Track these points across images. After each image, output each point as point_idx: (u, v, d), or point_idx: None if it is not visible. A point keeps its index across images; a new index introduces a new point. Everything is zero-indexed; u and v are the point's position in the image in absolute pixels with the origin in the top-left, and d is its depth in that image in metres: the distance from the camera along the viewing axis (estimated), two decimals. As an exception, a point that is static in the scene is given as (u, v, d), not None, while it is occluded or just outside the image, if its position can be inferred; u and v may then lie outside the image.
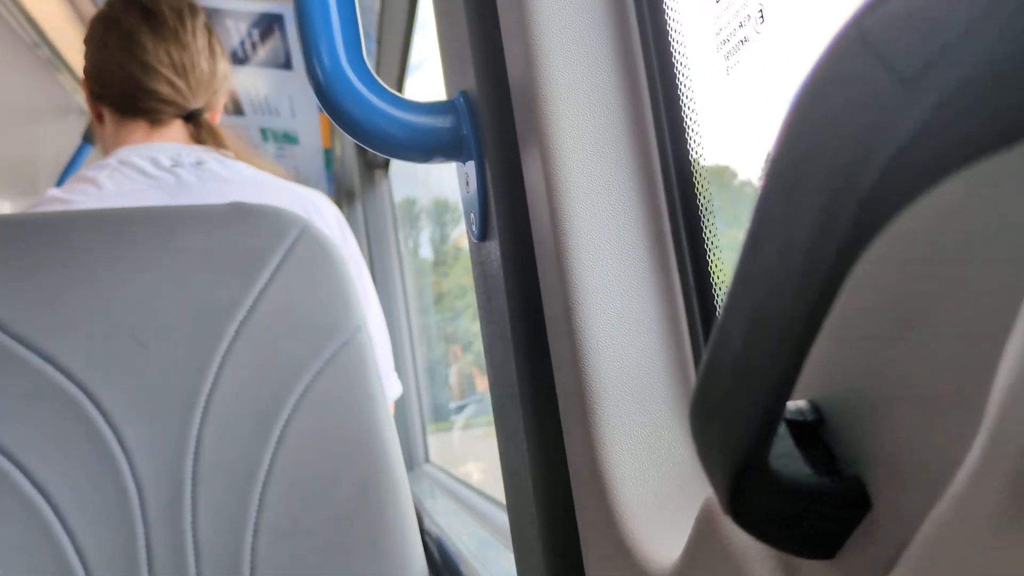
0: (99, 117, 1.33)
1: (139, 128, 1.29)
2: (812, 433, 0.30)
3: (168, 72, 1.27)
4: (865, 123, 0.19)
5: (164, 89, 1.27)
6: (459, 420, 2.15)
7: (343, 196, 2.55)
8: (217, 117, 1.40)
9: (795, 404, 0.31)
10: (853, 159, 0.19)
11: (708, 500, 0.37)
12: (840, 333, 0.29)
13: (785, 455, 0.28)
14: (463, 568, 1.06)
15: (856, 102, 0.19)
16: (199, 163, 1.23)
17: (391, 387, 1.42)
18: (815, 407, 0.31)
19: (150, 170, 1.20)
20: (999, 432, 0.19)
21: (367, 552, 0.93)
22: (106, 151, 1.32)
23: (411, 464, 1.98)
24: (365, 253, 2.31)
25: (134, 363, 0.90)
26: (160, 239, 0.94)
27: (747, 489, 0.27)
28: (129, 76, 1.27)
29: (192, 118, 1.31)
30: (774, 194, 0.22)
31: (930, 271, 0.25)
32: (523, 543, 0.65)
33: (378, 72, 1.98)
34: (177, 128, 1.31)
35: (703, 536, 0.39)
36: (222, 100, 1.40)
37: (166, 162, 1.22)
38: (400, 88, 1.94)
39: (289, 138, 2.29)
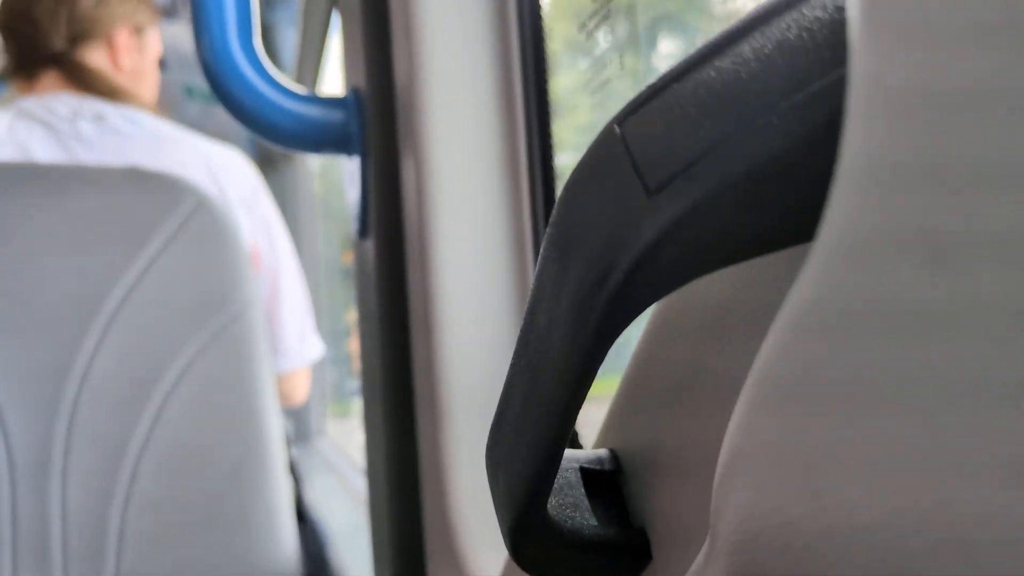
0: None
1: (22, 87, 1.24)
2: (610, 482, 0.31)
3: (7, 19, 1.21)
4: (615, 225, 0.19)
5: (11, 44, 1.21)
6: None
7: (265, 162, 2.51)
8: (122, 61, 1.29)
9: (595, 453, 0.31)
10: (603, 258, 0.20)
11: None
12: (639, 390, 0.30)
13: (572, 505, 0.29)
14: (329, 551, 1.06)
15: (610, 203, 0.20)
16: (99, 117, 1.19)
17: (311, 348, 1.40)
18: (615, 457, 0.31)
19: (49, 119, 1.16)
20: (715, 524, 0.20)
21: (237, 528, 0.93)
22: None
23: (305, 436, 1.97)
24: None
25: (12, 321, 0.88)
26: (49, 197, 0.91)
27: (526, 537, 0.28)
28: None
29: (61, 64, 1.23)
30: (545, 272, 0.23)
31: (705, 344, 0.26)
32: (377, 537, 0.66)
33: (299, 67, 1.94)
34: (52, 79, 1.23)
35: (512, 563, 0.39)
36: (108, 27, 1.27)
37: (65, 113, 1.17)
38: (314, 84, 1.89)
39: (214, 98, 2.24)
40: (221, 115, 2.41)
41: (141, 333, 0.92)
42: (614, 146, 0.20)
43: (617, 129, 0.20)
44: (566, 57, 0.58)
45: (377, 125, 0.60)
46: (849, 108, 0.15)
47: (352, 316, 2.33)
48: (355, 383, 2.18)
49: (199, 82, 2.26)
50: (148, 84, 1.36)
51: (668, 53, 0.49)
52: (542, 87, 0.53)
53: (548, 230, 0.23)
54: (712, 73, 0.19)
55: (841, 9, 0.18)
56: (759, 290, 0.24)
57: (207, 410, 0.93)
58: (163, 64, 2.15)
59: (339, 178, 2.43)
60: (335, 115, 0.64)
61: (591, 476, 0.31)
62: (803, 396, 0.16)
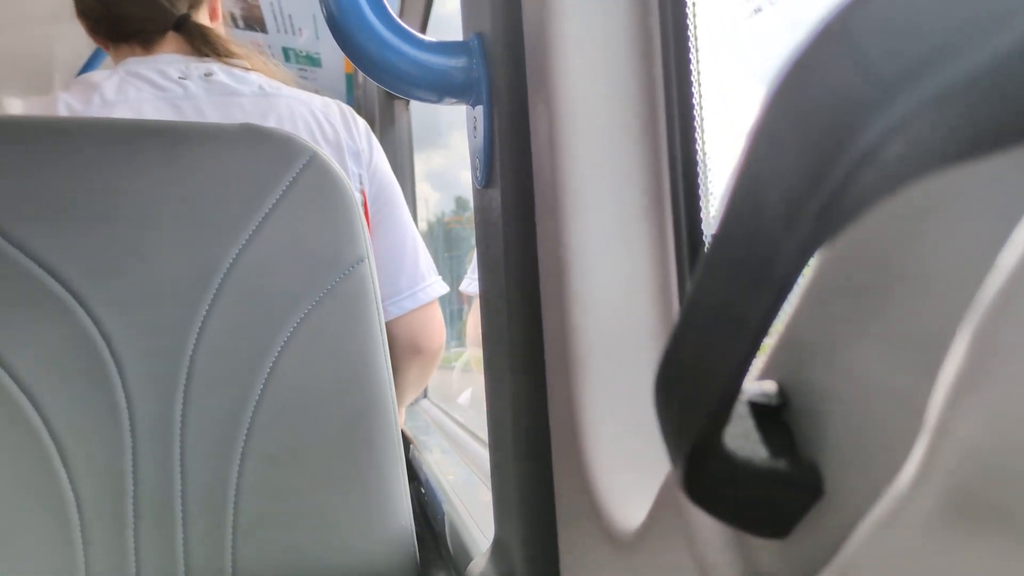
0: (105, 47, 1.31)
1: (135, 51, 1.26)
2: (775, 416, 0.30)
3: None
4: (836, 122, 0.18)
5: (135, 9, 1.23)
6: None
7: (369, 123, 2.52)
8: (218, 10, 1.34)
9: (760, 386, 0.30)
10: (821, 157, 0.19)
11: (671, 470, 0.37)
12: (813, 318, 0.29)
13: (743, 436, 0.28)
14: (446, 506, 1.07)
15: (830, 99, 0.19)
16: (208, 75, 1.21)
17: (435, 288, 1.40)
18: (781, 390, 0.30)
19: (158, 80, 1.19)
20: (937, 442, 0.19)
21: (353, 484, 0.94)
22: None
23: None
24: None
25: (132, 276, 0.90)
26: (166, 154, 0.93)
27: (701, 467, 0.27)
28: (103, 4, 1.24)
29: (181, 27, 1.26)
30: (745, 182, 0.21)
31: (898, 269, 0.24)
32: (502, 493, 0.66)
33: (402, 13, 1.95)
34: (171, 42, 1.26)
35: (664, 504, 0.39)
36: None
37: (174, 74, 1.20)
38: (423, 30, 1.90)
39: (311, 60, 2.26)
40: (318, 77, 2.42)
41: (257, 288, 0.93)
42: (834, 40, 0.19)
43: (837, 23, 0.19)
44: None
45: (504, 71, 0.59)
46: None
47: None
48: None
49: (295, 44, 2.29)
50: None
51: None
52: (681, 24, 0.52)
53: (746, 143, 0.22)
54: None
55: None
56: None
57: (321, 365, 0.94)
58: (263, 26, 2.18)
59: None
60: (457, 61, 0.63)
61: (757, 410, 0.30)
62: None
